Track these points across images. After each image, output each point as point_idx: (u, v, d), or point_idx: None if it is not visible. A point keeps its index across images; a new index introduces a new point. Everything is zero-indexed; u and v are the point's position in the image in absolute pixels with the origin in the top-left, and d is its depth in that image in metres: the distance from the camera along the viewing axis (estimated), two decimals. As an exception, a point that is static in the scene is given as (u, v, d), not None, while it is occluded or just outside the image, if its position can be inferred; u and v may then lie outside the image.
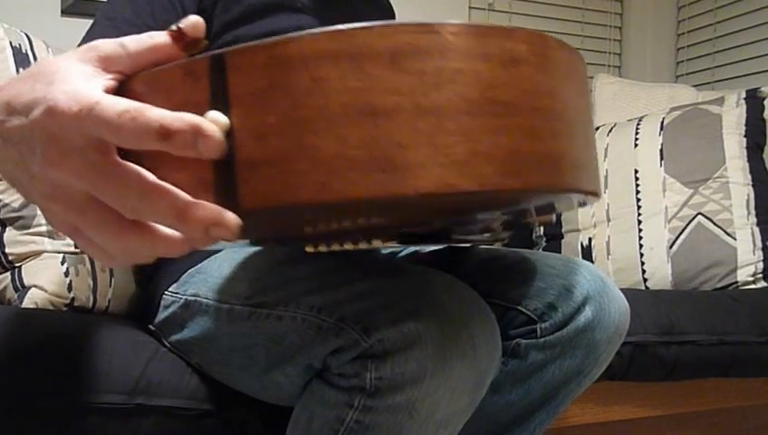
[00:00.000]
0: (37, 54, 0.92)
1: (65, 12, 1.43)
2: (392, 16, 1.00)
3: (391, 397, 0.51)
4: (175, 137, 0.28)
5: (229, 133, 0.29)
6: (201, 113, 0.29)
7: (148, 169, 0.31)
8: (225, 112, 0.29)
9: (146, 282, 0.80)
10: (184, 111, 0.29)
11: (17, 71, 0.87)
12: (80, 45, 0.75)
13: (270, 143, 0.29)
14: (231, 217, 0.29)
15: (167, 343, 0.72)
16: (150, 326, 0.74)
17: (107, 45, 0.33)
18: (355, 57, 0.28)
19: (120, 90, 0.33)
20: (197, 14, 0.76)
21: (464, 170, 0.28)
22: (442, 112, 0.29)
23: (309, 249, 0.45)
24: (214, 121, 0.28)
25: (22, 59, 0.90)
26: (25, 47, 0.92)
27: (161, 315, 0.72)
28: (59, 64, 0.32)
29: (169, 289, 0.71)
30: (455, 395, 0.53)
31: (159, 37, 0.32)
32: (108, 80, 0.32)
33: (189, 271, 0.71)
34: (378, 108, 0.28)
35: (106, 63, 0.33)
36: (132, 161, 0.31)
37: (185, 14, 0.75)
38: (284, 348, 0.57)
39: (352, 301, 0.53)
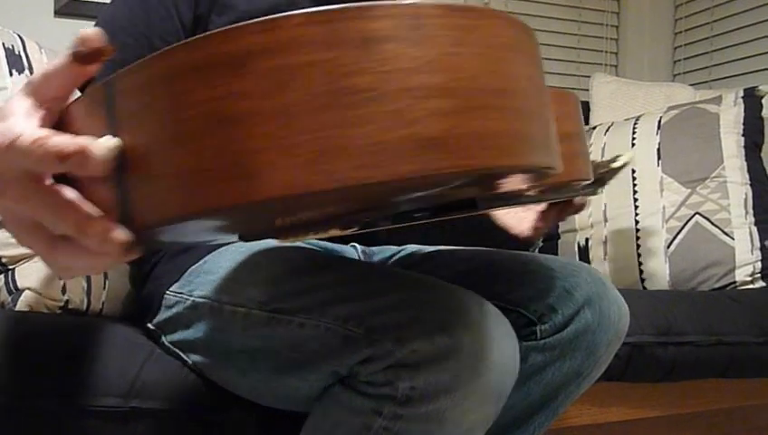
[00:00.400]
0: (30, 56, 0.91)
1: (58, 13, 1.42)
2: None
3: (423, 406, 0.52)
4: (70, 159, 0.31)
5: (122, 154, 0.31)
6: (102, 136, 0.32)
7: (79, 190, 0.34)
8: (116, 135, 0.31)
9: (142, 281, 0.80)
10: (96, 134, 0.31)
11: (10, 72, 0.87)
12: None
13: (147, 162, 0.30)
14: (117, 235, 0.32)
15: (166, 342, 0.71)
16: (149, 325, 0.74)
17: (34, 78, 0.35)
18: (207, 66, 0.28)
19: (62, 117, 0.35)
20: (194, 20, 0.77)
21: (315, 169, 0.28)
22: (289, 112, 0.28)
23: (280, 241, 0.46)
24: (104, 144, 0.31)
25: (15, 60, 0.89)
26: (18, 48, 0.91)
27: (163, 315, 0.71)
28: (9, 101, 0.35)
29: (171, 288, 0.71)
30: (482, 405, 0.55)
31: (64, 59, 0.34)
32: (44, 111, 0.35)
33: (191, 270, 0.70)
34: (229, 115, 0.28)
35: (39, 95, 0.35)
36: (70, 185, 0.34)
37: (181, 22, 0.76)
38: (302, 354, 0.57)
39: (380, 313, 0.54)
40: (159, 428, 0.68)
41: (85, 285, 0.83)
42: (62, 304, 0.81)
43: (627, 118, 1.43)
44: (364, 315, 0.54)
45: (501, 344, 0.55)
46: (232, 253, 0.69)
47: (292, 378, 0.59)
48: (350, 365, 0.54)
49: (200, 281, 0.68)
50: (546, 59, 1.92)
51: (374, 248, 0.84)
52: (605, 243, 1.29)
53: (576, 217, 1.35)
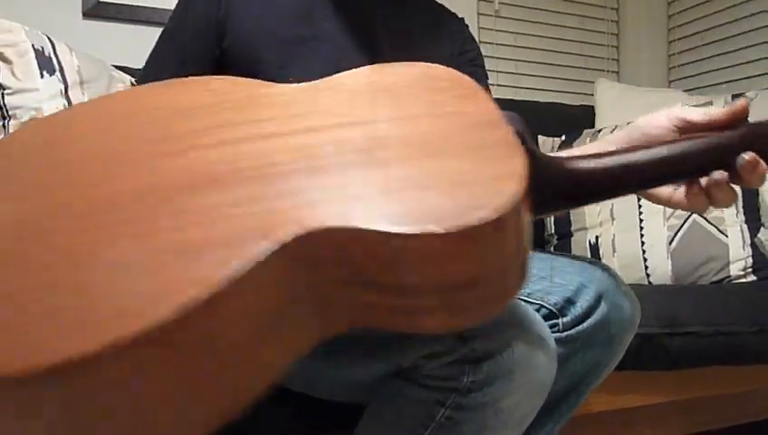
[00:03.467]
0: (60, 57, 0.90)
1: (86, 14, 1.41)
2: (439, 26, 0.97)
3: (482, 396, 0.56)
4: None
5: None
6: None
7: None
8: None
9: None
10: None
11: (41, 74, 0.86)
12: (147, 62, 0.79)
13: None
14: None
15: None
16: None
17: None
18: None
19: None
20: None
21: None
22: None
23: None
24: None
25: (45, 62, 0.88)
26: (48, 50, 0.90)
27: None
28: None
29: None
30: (532, 397, 0.60)
31: None
32: None
33: None
34: None
35: None
36: None
37: (219, 56, 0.76)
38: (363, 346, 0.61)
39: None
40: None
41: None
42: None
43: (629, 122, 1.49)
44: None
45: (547, 343, 0.60)
46: None
47: (352, 368, 0.63)
48: (414, 358, 0.58)
49: None
50: (552, 64, 1.98)
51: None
52: (613, 240, 1.35)
53: (586, 216, 1.40)
